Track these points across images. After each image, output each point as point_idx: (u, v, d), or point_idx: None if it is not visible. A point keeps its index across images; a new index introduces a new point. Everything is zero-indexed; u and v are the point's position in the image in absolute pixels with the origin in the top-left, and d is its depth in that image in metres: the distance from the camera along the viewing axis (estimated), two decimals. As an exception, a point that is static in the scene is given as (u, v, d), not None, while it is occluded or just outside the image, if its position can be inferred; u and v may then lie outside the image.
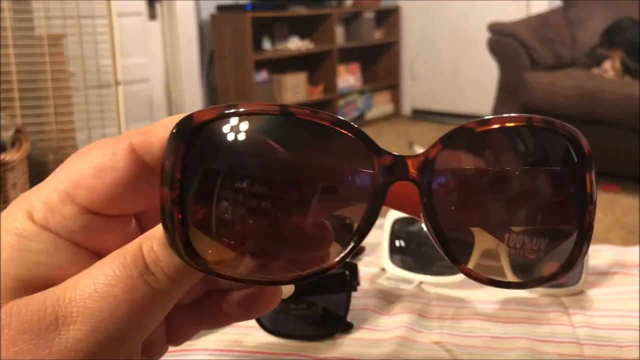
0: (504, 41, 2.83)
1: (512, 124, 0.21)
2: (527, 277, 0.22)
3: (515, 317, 0.47)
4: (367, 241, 0.59)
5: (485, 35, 2.92)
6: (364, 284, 0.51)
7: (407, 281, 0.52)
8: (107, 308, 0.20)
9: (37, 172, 1.96)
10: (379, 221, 0.68)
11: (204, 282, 0.26)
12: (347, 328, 0.45)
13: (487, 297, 0.50)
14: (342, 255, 0.20)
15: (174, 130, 0.20)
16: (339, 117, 0.20)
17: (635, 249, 0.57)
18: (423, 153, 0.21)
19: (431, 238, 0.21)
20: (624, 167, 2.49)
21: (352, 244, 0.20)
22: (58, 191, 0.21)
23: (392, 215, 0.54)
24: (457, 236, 0.56)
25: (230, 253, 0.21)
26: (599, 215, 2.15)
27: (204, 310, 0.26)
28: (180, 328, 0.26)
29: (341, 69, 3.83)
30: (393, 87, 4.17)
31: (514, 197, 0.22)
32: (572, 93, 2.59)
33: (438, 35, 3.94)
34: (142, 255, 0.20)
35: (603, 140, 2.43)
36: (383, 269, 0.55)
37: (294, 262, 0.21)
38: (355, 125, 0.20)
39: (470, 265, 0.52)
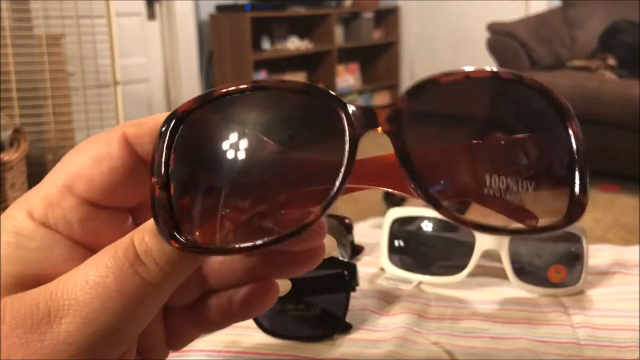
0: (503, 41, 2.83)
1: (478, 75, 0.21)
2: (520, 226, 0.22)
3: (514, 317, 0.47)
4: (366, 241, 0.59)
5: (484, 35, 2.92)
6: (362, 284, 0.51)
7: (406, 281, 0.52)
8: (98, 299, 0.20)
9: (36, 172, 1.96)
10: (378, 221, 0.68)
11: (199, 283, 0.26)
12: (346, 328, 0.45)
13: (486, 297, 0.50)
14: (320, 209, 0.20)
15: (163, 123, 0.21)
16: (308, 82, 0.21)
17: (634, 248, 0.57)
18: (391, 104, 0.21)
19: (410, 184, 0.21)
20: (624, 167, 2.49)
21: (328, 199, 0.20)
22: (57, 185, 0.22)
23: (391, 215, 0.54)
24: (457, 238, 0.55)
25: (217, 232, 0.21)
26: (598, 215, 2.15)
27: (201, 312, 0.26)
28: (179, 331, 0.26)
29: (340, 69, 3.83)
30: (392, 87, 4.17)
31: (490, 144, 0.22)
32: (572, 93, 2.59)
33: (437, 35, 3.94)
34: (133, 246, 0.21)
35: (602, 140, 2.43)
36: (382, 269, 0.54)
37: (278, 226, 0.21)
38: (323, 87, 0.21)
39: (471, 266, 0.52)
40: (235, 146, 0.21)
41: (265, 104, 0.22)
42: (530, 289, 0.50)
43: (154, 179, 0.20)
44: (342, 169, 0.20)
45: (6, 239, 0.21)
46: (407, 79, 4.16)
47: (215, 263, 0.25)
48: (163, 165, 0.20)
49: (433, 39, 3.97)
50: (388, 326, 0.46)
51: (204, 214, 0.21)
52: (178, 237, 0.20)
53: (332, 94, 0.21)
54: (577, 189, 0.21)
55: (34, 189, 0.23)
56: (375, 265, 0.55)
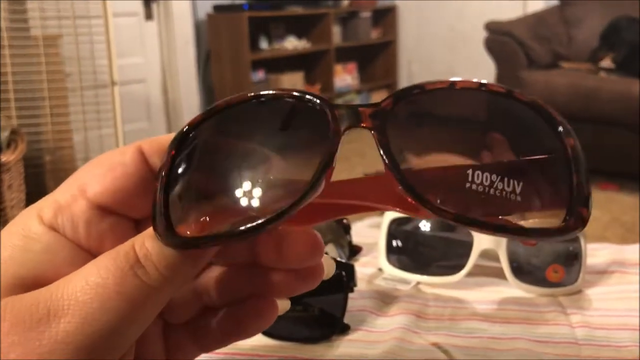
0: (501, 40, 2.83)
1: (466, 86, 0.22)
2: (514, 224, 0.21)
3: (513, 317, 0.46)
4: (364, 241, 0.59)
5: (481, 34, 2.92)
6: (360, 285, 0.51)
7: (405, 281, 0.52)
8: (98, 300, 0.20)
9: (33, 173, 1.96)
10: (375, 221, 0.68)
11: (197, 298, 0.26)
12: (344, 329, 0.45)
13: (484, 297, 0.50)
14: (301, 193, 0.21)
15: (170, 141, 0.23)
16: (299, 89, 0.23)
17: (633, 247, 0.57)
18: (376, 103, 0.22)
19: (394, 178, 0.21)
20: (621, 165, 2.49)
21: (310, 184, 0.21)
22: (69, 190, 0.23)
23: (389, 215, 0.54)
24: (455, 237, 0.55)
25: (211, 229, 0.21)
26: (596, 213, 2.15)
27: (200, 329, 0.26)
28: (178, 348, 0.26)
29: (338, 68, 3.83)
30: (390, 86, 4.17)
31: (478, 151, 0.22)
32: (569, 91, 2.59)
33: (435, 34, 3.94)
34: (134, 250, 0.21)
35: (600, 138, 2.43)
36: (380, 270, 0.54)
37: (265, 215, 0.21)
38: (312, 92, 0.22)
39: (469, 266, 0.52)
40: (230, 153, 0.23)
41: (259, 112, 0.23)
42: (528, 289, 0.50)
43: (156, 184, 0.22)
44: (323, 159, 0.21)
45: (14, 241, 0.22)
46: (405, 79, 4.16)
47: (213, 278, 0.25)
48: (165, 172, 0.22)
49: (431, 38, 3.97)
50: (386, 327, 0.45)
51: (199, 217, 0.22)
52: (172, 237, 0.21)
53: (320, 97, 0.22)
54: (576, 203, 0.20)
55: (48, 195, 0.23)
56: (373, 266, 0.55)
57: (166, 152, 0.22)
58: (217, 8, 3.39)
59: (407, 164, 0.21)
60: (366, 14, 3.94)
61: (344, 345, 0.44)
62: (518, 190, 0.21)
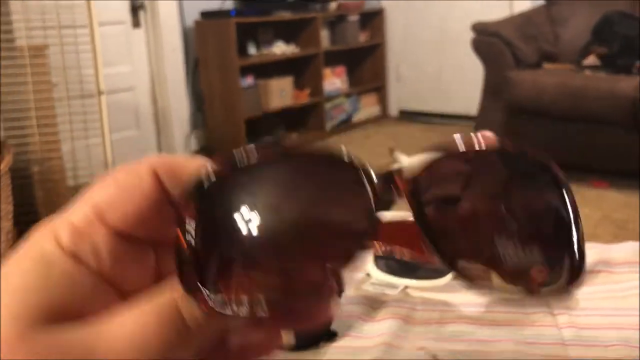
0: (488, 40, 2.84)
1: (487, 148, 0.23)
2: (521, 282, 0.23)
3: (500, 319, 0.46)
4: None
5: (469, 35, 2.93)
6: (348, 290, 0.50)
7: (392, 286, 0.52)
8: (138, 357, 0.20)
9: (21, 184, 1.94)
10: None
11: None
12: (332, 336, 0.45)
13: (471, 299, 0.50)
14: (337, 289, 0.21)
15: (192, 187, 0.21)
16: (333, 149, 0.22)
17: (619, 246, 0.57)
18: (412, 177, 0.22)
19: (424, 243, 0.22)
20: (612, 163, 2.50)
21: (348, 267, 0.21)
22: (86, 215, 0.21)
23: (376, 219, 0.54)
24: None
25: (242, 299, 0.20)
26: (587, 211, 2.16)
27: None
28: None
29: (327, 72, 3.83)
30: (379, 89, 4.18)
31: (497, 212, 0.23)
32: (557, 90, 2.61)
33: (422, 36, 3.96)
34: (177, 309, 0.20)
35: (589, 136, 2.44)
36: (368, 275, 0.54)
37: (298, 289, 0.21)
38: (346, 152, 0.22)
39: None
40: (260, 214, 0.22)
41: (292, 171, 0.22)
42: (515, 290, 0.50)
43: (179, 234, 0.20)
44: (364, 237, 0.21)
45: (29, 266, 0.21)
46: (394, 81, 4.17)
47: None
48: (192, 225, 0.21)
49: (418, 40, 3.98)
50: (374, 332, 0.45)
51: (230, 278, 0.21)
52: (209, 299, 0.20)
53: (355, 159, 0.22)
54: (576, 255, 0.22)
55: (60, 216, 0.22)
56: (361, 271, 0.55)
57: (187, 199, 0.21)
58: (205, 14, 3.38)
59: (438, 229, 0.22)
60: (354, 18, 3.95)
61: (332, 352, 0.43)
62: (532, 253, 0.22)
